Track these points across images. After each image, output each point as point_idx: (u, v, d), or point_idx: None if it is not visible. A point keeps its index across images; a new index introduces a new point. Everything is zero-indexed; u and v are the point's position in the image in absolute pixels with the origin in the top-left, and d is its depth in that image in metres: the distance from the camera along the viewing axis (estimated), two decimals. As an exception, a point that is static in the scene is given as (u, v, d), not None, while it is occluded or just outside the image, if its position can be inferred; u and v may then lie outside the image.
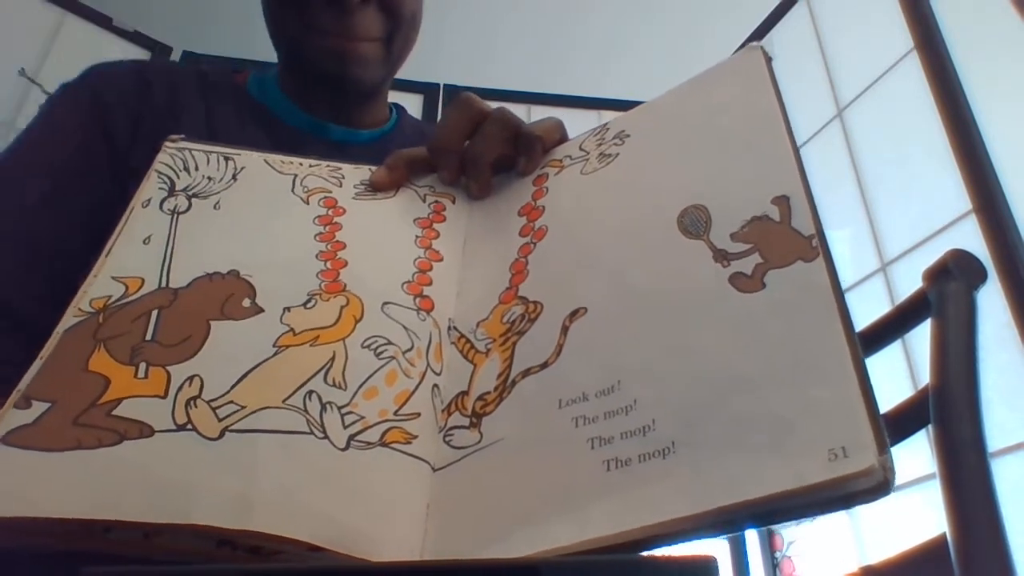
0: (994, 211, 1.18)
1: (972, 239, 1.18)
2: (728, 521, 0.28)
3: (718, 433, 0.30)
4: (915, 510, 1.14)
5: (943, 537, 0.38)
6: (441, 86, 1.96)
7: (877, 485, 0.26)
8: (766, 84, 0.44)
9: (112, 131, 0.61)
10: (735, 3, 1.96)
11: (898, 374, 1.21)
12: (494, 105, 0.54)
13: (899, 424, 0.43)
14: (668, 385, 0.33)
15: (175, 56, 1.88)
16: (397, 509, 0.33)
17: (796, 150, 0.40)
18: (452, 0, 2.27)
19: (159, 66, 0.99)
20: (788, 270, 0.34)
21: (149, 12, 2.02)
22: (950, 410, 0.41)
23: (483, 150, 0.51)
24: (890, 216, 1.40)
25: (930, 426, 0.42)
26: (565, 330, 0.38)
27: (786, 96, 0.44)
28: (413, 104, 1.91)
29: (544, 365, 0.37)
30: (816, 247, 0.34)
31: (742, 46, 2.06)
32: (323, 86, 0.68)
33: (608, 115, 1.98)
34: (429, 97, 1.95)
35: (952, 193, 1.25)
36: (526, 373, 0.38)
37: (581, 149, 0.51)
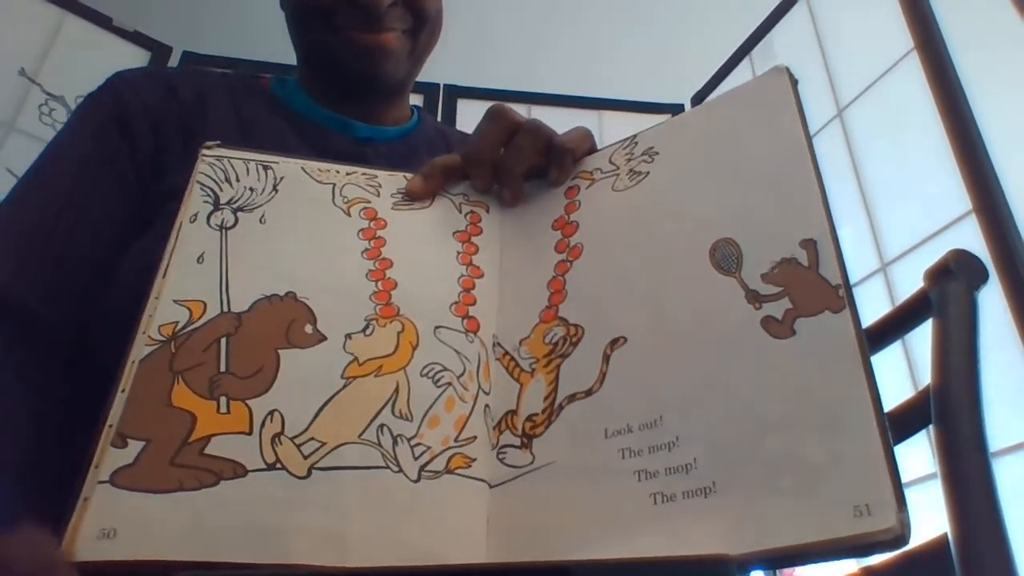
0: (994, 211, 1.18)
1: (972, 239, 1.18)
2: (759, 559, 0.30)
3: (754, 475, 0.32)
4: (916, 510, 1.14)
5: (944, 537, 0.38)
6: (441, 86, 1.96)
7: (895, 539, 0.29)
8: (792, 111, 0.45)
9: (132, 130, 0.62)
10: (735, 3, 1.96)
11: (898, 374, 1.21)
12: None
13: (900, 424, 0.43)
14: (706, 423, 0.35)
15: (175, 56, 1.88)
16: (465, 529, 0.37)
17: (822, 186, 0.40)
18: (452, 0, 2.27)
19: (183, 69, 1.01)
20: (816, 319, 0.36)
21: (149, 12, 2.02)
22: (951, 410, 0.41)
23: (516, 160, 0.53)
24: (890, 216, 1.40)
25: (931, 426, 0.42)
26: (607, 358, 0.40)
27: (787, 96, 0.44)
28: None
29: (589, 392, 0.40)
30: (843, 297, 0.36)
31: (741, 46, 2.04)
32: (349, 86, 0.69)
33: (608, 115, 1.98)
34: (429, 97, 1.95)
35: (952, 193, 1.25)
36: (572, 399, 0.40)
37: (611, 162, 0.52)
